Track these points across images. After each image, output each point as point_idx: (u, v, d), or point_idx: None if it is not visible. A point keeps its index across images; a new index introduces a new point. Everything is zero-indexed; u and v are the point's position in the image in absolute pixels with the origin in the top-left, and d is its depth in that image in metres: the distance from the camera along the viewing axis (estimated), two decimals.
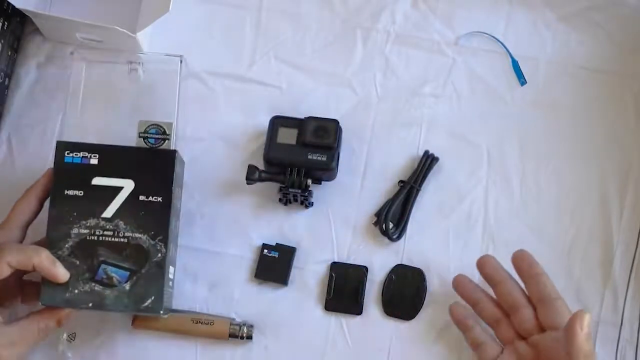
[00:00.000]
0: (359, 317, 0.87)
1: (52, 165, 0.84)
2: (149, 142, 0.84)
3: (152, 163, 0.82)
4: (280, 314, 0.87)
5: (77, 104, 0.87)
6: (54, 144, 0.91)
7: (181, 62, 0.88)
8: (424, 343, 0.86)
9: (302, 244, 0.89)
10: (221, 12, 0.96)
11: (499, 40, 0.94)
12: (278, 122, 0.88)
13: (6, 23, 0.90)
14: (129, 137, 0.84)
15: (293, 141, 0.86)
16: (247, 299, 0.88)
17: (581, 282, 0.88)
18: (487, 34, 0.95)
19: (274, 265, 0.88)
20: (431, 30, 0.95)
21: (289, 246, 0.88)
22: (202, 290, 0.88)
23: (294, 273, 0.88)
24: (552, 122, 0.92)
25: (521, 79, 0.93)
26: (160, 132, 0.84)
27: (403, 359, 0.85)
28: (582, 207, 0.90)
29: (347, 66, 0.94)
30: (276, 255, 0.88)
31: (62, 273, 0.78)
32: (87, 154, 0.82)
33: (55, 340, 0.85)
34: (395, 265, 0.88)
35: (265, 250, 0.88)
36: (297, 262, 0.88)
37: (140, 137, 0.84)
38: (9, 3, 0.88)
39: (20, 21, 0.94)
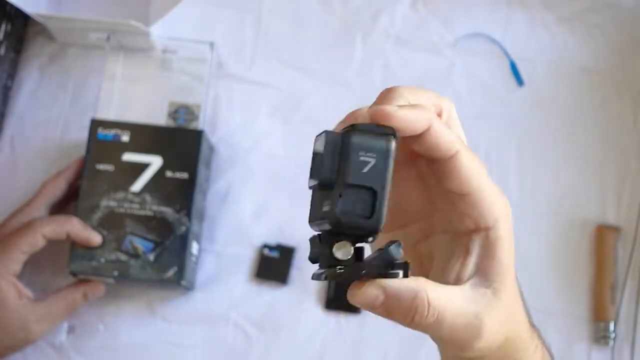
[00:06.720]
0: (359, 316, 0.87)
1: (57, 167, 0.87)
2: (178, 122, 0.89)
3: (180, 141, 0.86)
4: (280, 314, 0.88)
5: (111, 86, 0.91)
6: (56, 145, 0.92)
7: (212, 48, 0.91)
8: (423, 342, 0.87)
9: (302, 244, 0.89)
10: (221, 13, 0.97)
11: (497, 42, 0.95)
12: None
13: (9, 25, 0.91)
14: (159, 117, 0.89)
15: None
16: (247, 299, 0.88)
17: (578, 282, 0.88)
18: (486, 35, 0.95)
19: (274, 264, 0.88)
20: (430, 31, 0.96)
21: (289, 246, 0.89)
22: (202, 290, 0.88)
23: (294, 273, 0.89)
24: (550, 123, 0.93)
25: (519, 80, 0.94)
26: (189, 112, 0.89)
27: (403, 358, 0.86)
28: (580, 208, 0.90)
29: (347, 67, 0.95)
30: (276, 255, 0.88)
31: (95, 236, 0.82)
32: (119, 131, 0.86)
33: (54, 333, 0.86)
34: None
35: (266, 250, 0.88)
36: (297, 261, 0.89)
37: (170, 117, 0.89)
38: (12, 6, 0.89)
39: (23, 23, 0.95)
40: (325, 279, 0.42)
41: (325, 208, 0.42)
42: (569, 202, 0.91)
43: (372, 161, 0.40)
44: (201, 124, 0.88)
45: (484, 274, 0.45)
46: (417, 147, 0.44)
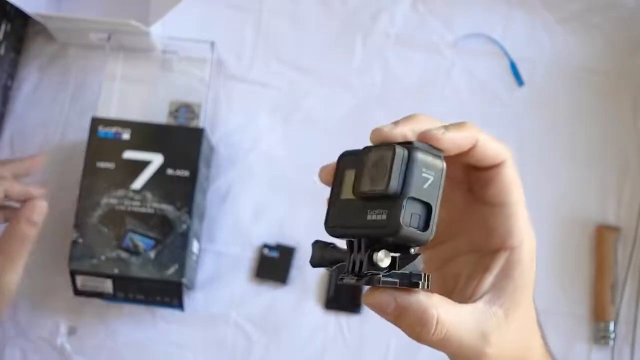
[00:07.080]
0: (359, 316, 0.88)
1: (57, 167, 0.87)
2: (179, 121, 0.90)
3: (181, 139, 0.87)
4: (280, 314, 0.88)
5: (111, 86, 0.91)
6: (56, 145, 0.92)
7: (212, 47, 0.91)
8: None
9: (302, 244, 0.89)
10: (221, 13, 0.97)
11: (497, 42, 0.95)
12: (346, 160, 0.48)
13: (9, 25, 0.91)
14: (159, 117, 0.90)
15: (351, 193, 0.47)
16: (247, 299, 0.88)
17: (578, 282, 0.88)
18: (486, 35, 0.95)
19: (274, 264, 0.88)
20: (430, 31, 0.96)
21: (289, 246, 0.89)
22: (202, 290, 0.88)
23: (294, 272, 0.89)
24: (549, 123, 0.93)
25: (519, 80, 0.94)
26: (190, 111, 0.90)
27: (402, 357, 0.86)
28: (580, 208, 0.90)
29: (347, 67, 0.95)
30: (276, 254, 0.88)
31: (34, 189, 0.77)
32: (119, 129, 0.86)
33: (54, 334, 0.87)
34: None
35: (266, 250, 0.89)
36: (297, 261, 0.89)
37: (170, 115, 0.90)
38: (12, 6, 0.89)
39: (23, 23, 0.95)
40: (367, 283, 0.44)
41: (376, 217, 0.44)
42: (569, 202, 0.91)
43: (431, 178, 0.43)
44: (202, 122, 0.88)
45: (499, 292, 0.46)
46: (464, 159, 0.46)
